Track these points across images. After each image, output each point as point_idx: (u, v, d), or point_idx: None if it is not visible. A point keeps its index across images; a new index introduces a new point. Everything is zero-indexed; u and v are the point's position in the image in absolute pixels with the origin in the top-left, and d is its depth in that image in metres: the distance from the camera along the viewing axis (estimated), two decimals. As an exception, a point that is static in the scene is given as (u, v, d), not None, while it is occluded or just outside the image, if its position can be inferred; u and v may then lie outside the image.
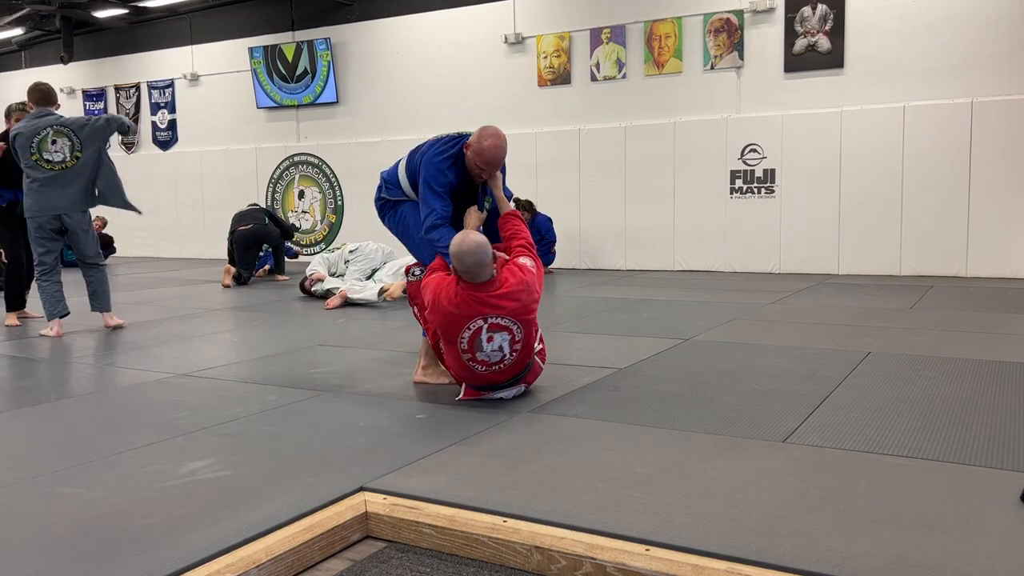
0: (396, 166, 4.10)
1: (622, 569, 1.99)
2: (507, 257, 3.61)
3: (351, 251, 7.77)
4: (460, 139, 3.85)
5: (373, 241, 7.85)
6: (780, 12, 8.92)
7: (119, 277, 10.10)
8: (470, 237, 3.36)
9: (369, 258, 7.60)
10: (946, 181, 8.24)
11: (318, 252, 8.18)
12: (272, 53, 12.00)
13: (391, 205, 4.13)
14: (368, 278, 7.47)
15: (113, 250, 12.46)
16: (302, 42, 11.76)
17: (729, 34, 9.18)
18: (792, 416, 3.22)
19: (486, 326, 3.35)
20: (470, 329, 3.35)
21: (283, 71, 12.00)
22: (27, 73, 14.95)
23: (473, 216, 3.84)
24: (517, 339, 3.42)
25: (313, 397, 3.73)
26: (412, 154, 4.00)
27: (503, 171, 3.96)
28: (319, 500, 2.38)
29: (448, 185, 3.81)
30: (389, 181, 4.11)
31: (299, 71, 11.88)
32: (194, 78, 13.02)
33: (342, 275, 7.70)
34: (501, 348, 3.39)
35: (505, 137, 3.80)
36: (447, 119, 10.82)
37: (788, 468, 2.62)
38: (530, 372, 3.65)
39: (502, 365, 3.43)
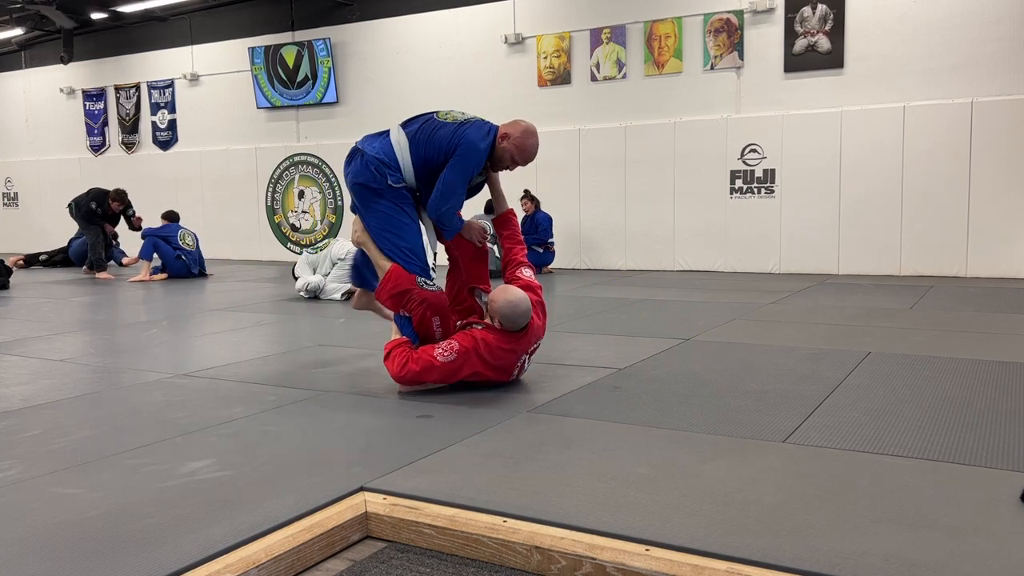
0: (385, 145, 3.80)
1: (622, 569, 1.99)
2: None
3: (340, 258, 7.58)
4: (492, 127, 3.86)
5: None
6: (780, 12, 8.92)
7: (120, 276, 10.10)
8: (521, 303, 3.61)
9: None
10: (946, 181, 8.25)
11: (305, 252, 8.16)
12: (273, 58, 12.00)
13: (380, 196, 3.78)
14: None
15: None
16: (303, 47, 11.76)
17: (729, 34, 9.18)
18: (792, 416, 3.22)
19: (528, 356, 3.81)
20: (519, 367, 3.80)
21: (284, 77, 12.01)
22: (27, 73, 14.97)
23: (475, 229, 4.03)
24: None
25: (313, 397, 3.72)
26: (424, 131, 3.78)
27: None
28: (319, 500, 2.38)
29: (479, 169, 3.87)
30: (384, 161, 3.75)
31: (300, 77, 11.89)
32: (194, 78, 13.02)
33: (327, 274, 7.67)
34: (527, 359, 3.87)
35: None
36: (447, 119, 10.82)
37: (788, 468, 2.62)
38: None
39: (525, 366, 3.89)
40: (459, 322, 3.96)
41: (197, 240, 10.19)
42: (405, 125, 3.89)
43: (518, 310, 3.59)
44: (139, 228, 10.31)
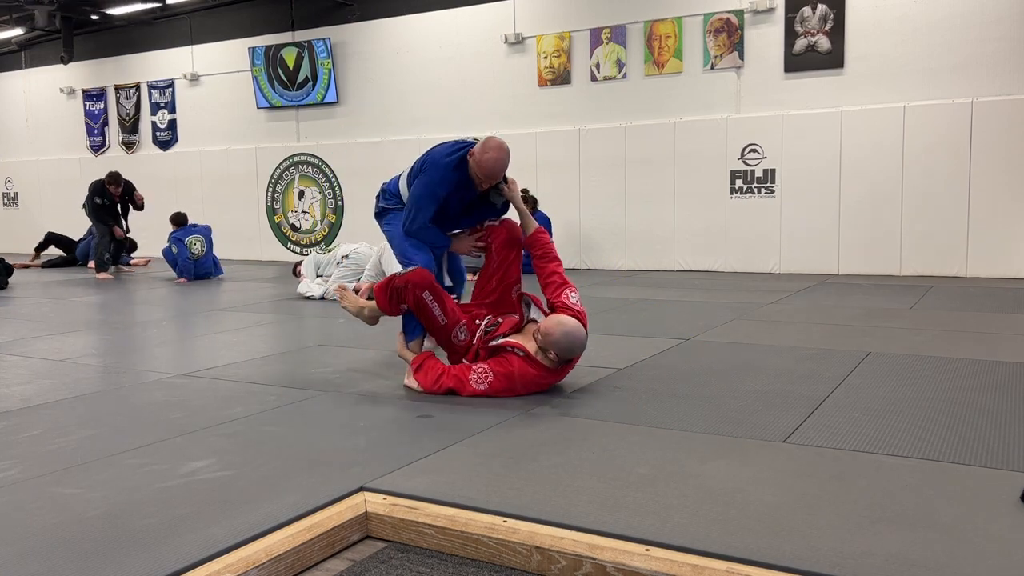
0: (397, 178, 4.25)
1: (622, 569, 1.99)
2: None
3: (344, 255, 7.69)
4: (467, 144, 3.99)
5: (367, 244, 7.83)
6: (780, 12, 8.92)
7: (119, 279, 10.10)
8: (576, 327, 3.56)
9: (361, 265, 7.51)
10: (946, 181, 8.25)
11: (315, 252, 8.18)
12: (273, 59, 12.00)
13: (386, 212, 4.29)
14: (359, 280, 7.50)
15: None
16: (303, 48, 11.76)
17: (729, 34, 9.18)
18: (792, 416, 3.22)
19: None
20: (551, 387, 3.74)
21: (284, 78, 12.02)
22: (27, 73, 14.97)
23: (465, 242, 4.12)
24: None
25: (313, 397, 3.72)
26: (416, 164, 4.16)
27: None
28: (319, 500, 2.38)
29: (449, 186, 3.94)
30: (388, 191, 4.27)
31: (300, 78, 11.89)
32: (194, 78, 13.02)
33: (330, 275, 7.69)
34: None
35: (508, 150, 3.92)
36: (447, 119, 10.83)
37: (788, 468, 2.62)
38: None
39: None
40: (486, 320, 3.84)
41: (210, 243, 9.76)
42: None
43: (574, 341, 3.55)
44: (142, 207, 10.38)
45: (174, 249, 9.54)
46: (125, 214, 10.56)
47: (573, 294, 3.77)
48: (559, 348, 3.53)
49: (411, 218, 3.96)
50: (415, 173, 4.05)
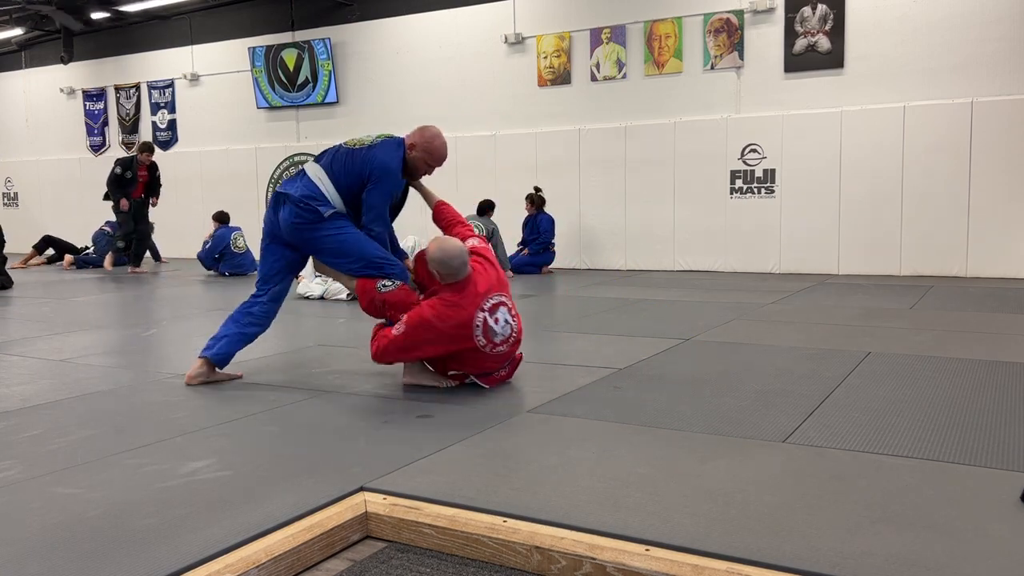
0: (307, 182, 3.91)
1: (622, 569, 1.99)
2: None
3: None
4: (398, 140, 4.01)
5: None
6: (780, 12, 8.92)
7: (121, 278, 10.10)
8: (450, 242, 3.60)
9: None
10: (946, 181, 8.25)
11: None
12: (273, 60, 12.00)
13: (332, 219, 3.88)
14: None
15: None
16: (303, 49, 11.75)
17: (729, 34, 9.18)
18: (792, 416, 3.22)
19: (486, 314, 3.58)
20: (479, 326, 3.56)
21: (284, 79, 12.01)
22: (27, 73, 14.97)
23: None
24: (511, 304, 3.72)
25: (313, 397, 3.73)
26: (337, 160, 3.93)
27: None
28: (319, 500, 2.38)
29: (399, 186, 4.04)
30: (316, 196, 3.87)
31: (300, 79, 11.89)
32: (194, 78, 13.02)
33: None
34: (507, 321, 3.65)
35: None
36: (447, 119, 10.81)
37: (788, 468, 2.62)
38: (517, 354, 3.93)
39: (514, 335, 3.70)
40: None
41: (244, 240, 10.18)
42: (317, 159, 4.07)
43: (448, 252, 3.52)
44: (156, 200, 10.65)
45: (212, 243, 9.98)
46: (152, 193, 10.67)
47: (473, 240, 3.89)
48: (433, 259, 3.57)
49: (377, 224, 3.95)
50: (364, 177, 3.85)
